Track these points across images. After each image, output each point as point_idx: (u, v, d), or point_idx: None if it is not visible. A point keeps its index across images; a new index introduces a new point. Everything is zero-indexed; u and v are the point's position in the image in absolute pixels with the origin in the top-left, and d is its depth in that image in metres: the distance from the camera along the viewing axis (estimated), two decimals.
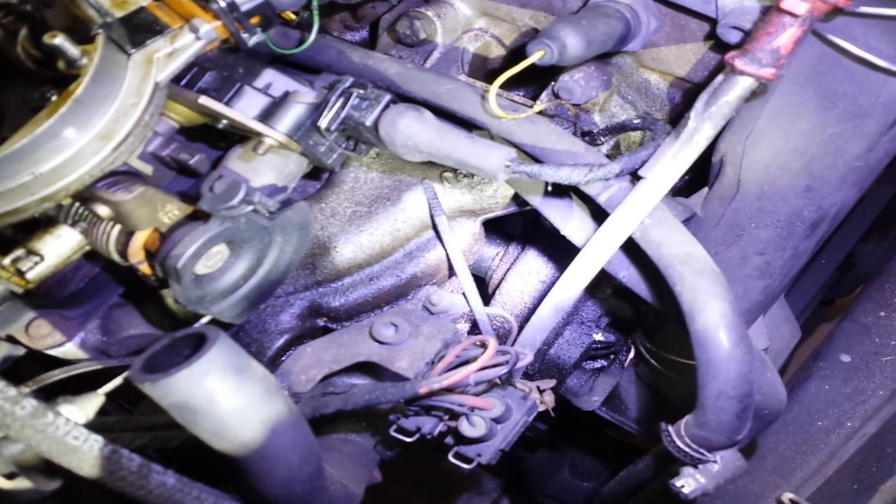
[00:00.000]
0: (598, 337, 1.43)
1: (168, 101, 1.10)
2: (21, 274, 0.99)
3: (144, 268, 0.99)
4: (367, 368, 1.26)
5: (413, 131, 1.06)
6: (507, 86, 1.10)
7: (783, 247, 1.21)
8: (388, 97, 1.09)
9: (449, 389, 0.99)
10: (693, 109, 1.03)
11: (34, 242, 1.02)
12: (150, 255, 0.98)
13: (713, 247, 1.22)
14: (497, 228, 1.46)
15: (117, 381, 1.13)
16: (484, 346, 1.02)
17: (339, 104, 1.10)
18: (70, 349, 1.26)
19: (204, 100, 1.10)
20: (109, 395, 1.04)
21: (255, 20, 1.05)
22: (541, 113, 1.20)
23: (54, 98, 1.01)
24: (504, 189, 1.30)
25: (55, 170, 0.96)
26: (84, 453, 0.75)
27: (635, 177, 1.08)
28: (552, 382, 1.29)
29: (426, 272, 1.35)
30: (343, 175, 1.35)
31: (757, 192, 1.17)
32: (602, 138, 1.30)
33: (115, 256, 1.02)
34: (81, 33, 1.00)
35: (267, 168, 1.19)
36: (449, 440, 1.13)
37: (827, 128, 1.08)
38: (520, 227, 1.52)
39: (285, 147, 1.12)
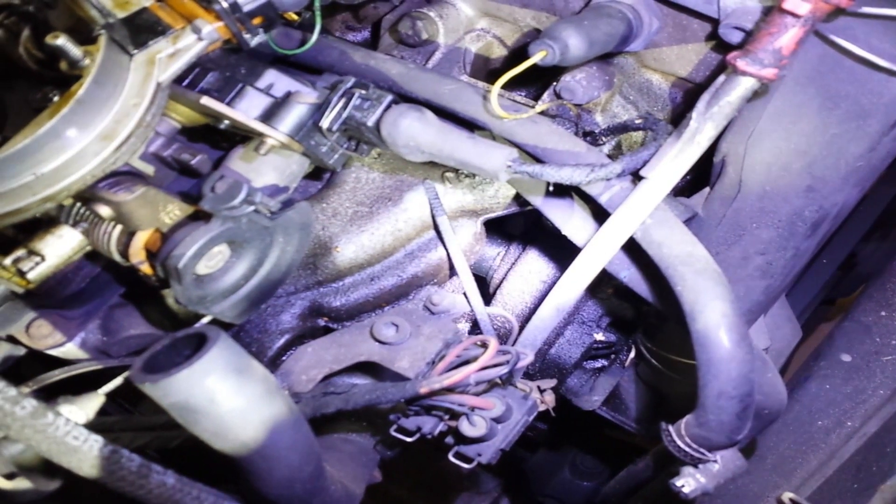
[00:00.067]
0: (599, 337, 1.43)
1: (170, 101, 1.10)
2: (22, 274, 0.99)
3: (145, 268, 0.99)
4: (367, 368, 1.26)
5: (415, 131, 1.06)
6: (508, 86, 1.10)
7: (784, 247, 1.21)
8: (389, 97, 1.10)
9: (449, 389, 0.99)
10: (695, 109, 1.02)
11: (35, 242, 1.02)
12: (152, 256, 0.98)
13: (714, 247, 1.21)
14: (498, 228, 1.46)
15: (117, 381, 1.12)
16: (485, 345, 1.02)
17: (340, 104, 1.10)
18: (70, 349, 1.25)
19: (206, 100, 1.10)
20: (110, 395, 1.03)
21: (257, 21, 1.05)
22: (543, 113, 1.20)
23: (56, 98, 1.01)
24: (505, 189, 1.30)
25: (57, 170, 0.96)
26: (84, 453, 0.75)
27: (637, 177, 1.08)
28: (553, 382, 1.29)
29: (427, 272, 1.35)
30: (344, 175, 1.35)
31: (758, 192, 1.17)
32: (604, 138, 1.30)
33: (117, 257, 1.02)
34: (83, 34, 1.00)
35: (269, 168, 1.19)
36: (449, 440, 1.13)
37: (829, 128, 1.08)
38: (521, 227, 1.52)
39: (287, 147, 1.12)
